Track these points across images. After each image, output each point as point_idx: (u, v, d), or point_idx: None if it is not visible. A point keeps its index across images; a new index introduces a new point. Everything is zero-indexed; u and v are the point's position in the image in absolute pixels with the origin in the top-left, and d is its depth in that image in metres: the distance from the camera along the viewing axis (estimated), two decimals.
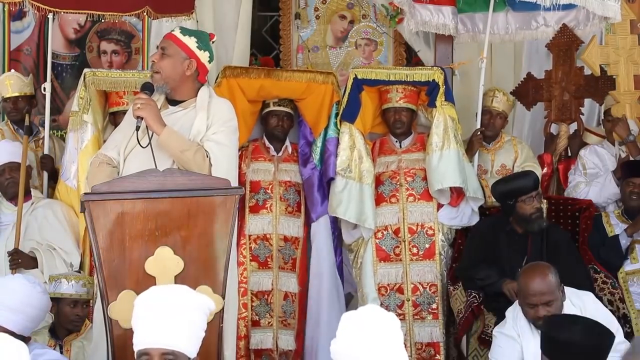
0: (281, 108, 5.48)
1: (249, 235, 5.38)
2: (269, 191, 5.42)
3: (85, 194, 3.36)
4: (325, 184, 5.38)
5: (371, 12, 6.91)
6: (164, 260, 3.31)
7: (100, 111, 5.44)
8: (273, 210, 5.40)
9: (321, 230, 5.42)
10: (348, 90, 5.37)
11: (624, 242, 5.07)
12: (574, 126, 5.78)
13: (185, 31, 4.01)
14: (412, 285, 5.27)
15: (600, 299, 4.61)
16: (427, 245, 5.28)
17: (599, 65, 5.63)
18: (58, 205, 5.31)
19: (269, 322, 5.34)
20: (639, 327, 4.94)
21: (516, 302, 4.08)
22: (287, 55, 6.96)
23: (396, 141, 5.45)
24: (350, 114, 5.35)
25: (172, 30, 4.04)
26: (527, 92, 5.85)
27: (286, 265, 5.41)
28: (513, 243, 4.95)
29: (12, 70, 6.02)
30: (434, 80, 5.32)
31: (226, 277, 3.41)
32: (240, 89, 5.37)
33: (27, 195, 5.24)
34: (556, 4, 5.09)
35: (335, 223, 5.42)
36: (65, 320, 4.48)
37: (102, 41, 6.87)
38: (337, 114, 5.41)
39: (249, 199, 5.39)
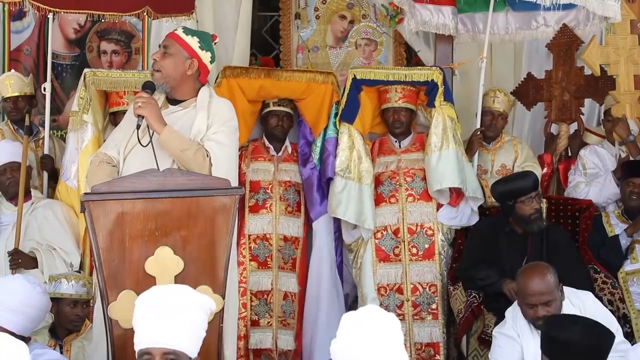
0: (281, 108, 5.49)
1: (249, 235, 5.38)
2: (269, 191, 5.42)
3: (85, 194, 3.36)
4: (324, 183, 5.38)
5: (371, 12, 6.90)
6: (164, 260, 3.31)
7: (101, 111, 5.44)
8: (273, 210, 5.41)
9: (322, 229, 5.42)
10: (347, 91, 5.37)
11: (624, 242, 5.07)
12: (574, 126, 5.78)
13: (188, 31, 4.02)
14: (412, 286, 5.27)
15: (600, 299, 4.62)
16: (426, 246, 5.28)
17: (599, 65, 5.63)
18: (58, 205, 5.31)
19: (268, 322, 5.34)
20: (639, 327, 4.94)
21: (515, 302, 4.09)
22: (287, 55, 6.95)
23: (395, 141, 5.45)
24: (349, 114, 5.35)
25: (175, 30, 4.04)
26: (527, 92, 5.85)
27: (286, 265, 5.41)
28: (513, 243, 4.95)
29: (12, 70, 6.02)
30: (432, 80, 5.32)
31: (226, 277, 3.41)
32: (240, 89, 5.37)
33: (27, 195, 5.24)
34: (556, 4, 5.08)
35: (337, 223, 5.42)
36: (65, 320, 4.48)
37: (102, 41, 6.87)
38: (336, 114, 5.41)
39: (248, 198, 5.39)
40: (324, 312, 5.34)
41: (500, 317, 4.36)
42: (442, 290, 5.26)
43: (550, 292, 3.86)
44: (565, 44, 5.65)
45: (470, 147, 5.47)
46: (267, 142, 5.52)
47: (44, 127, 5.60)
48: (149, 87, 3.86)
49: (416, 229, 5.30)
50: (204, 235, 3.35)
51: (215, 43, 4.05)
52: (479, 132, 5.49)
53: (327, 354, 5.11)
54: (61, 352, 4.36)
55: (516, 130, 6.56)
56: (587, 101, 5.92)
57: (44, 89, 5.53)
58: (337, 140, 5.36)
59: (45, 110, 5.56)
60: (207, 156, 3.78)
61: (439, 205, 5.31)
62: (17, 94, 5.70)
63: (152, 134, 3.73)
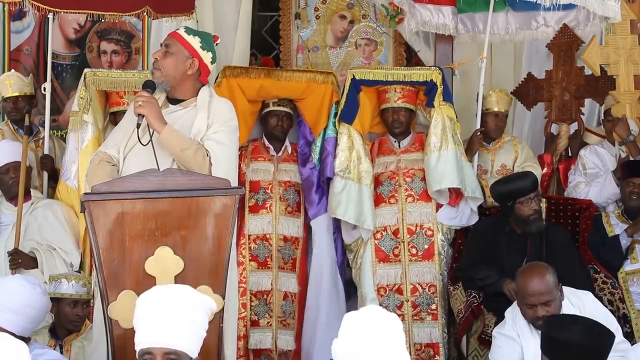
0: (281, 108, 5.49)
1: (249, 235, 5.38)
2: (269, 191, 5.42)
3: (85, 194, 3.36)
4: (323, 183, 5.38)
5: (371, 12, 6.90)
6: (164, 260, 3.31)
7: (101, 111, 5.44)
8: (273, 210, 5.41)
9: (321, 229, 5.42)
10: (346, 91, 5.37)
11: (624, 242, 5.07)
12: (574, 126, 5.78)
13: (189, 31, 4.02)
14: (411, 286, 5.27)
15: (600, 299, 4.62)
16: (426, 246, 5.28)
17: (599, 65, 5.63)
18: (58, 205, 5.31)
19: (268, 322, 5.34)
20: (639, 327, 4.94)
21: (515, 302, 4.09)
22: (287, 55, 6.95)
23: (395, 141, 5.45)
24: (348, 114, 5.35)
25: (177, 29, 4.05)
26: (528, 92, 5.85)
27: (286, 265, 5.41)
28: (512, 243, 4.95)
29: (12, 70, 6.02)
30: (431, 80, 5.32)
31: (226, 277, 3.41)
32: (240, 89, 5.37)
33: (27, 195, 5.24)
34: (556, 4, 5.09)
35: (336, 222, 5.41)
36: (65, 320, 4.48)
37: (102, 41, 6.87)
38: (336, 114, 5.41)
39: (248, 198, 5.39)
40: (324, 313, 5.33)
41: (500, 317, 4.36)
42: (442, 291, 5.26)
43: (550, 292, 3.87)
44: (566, 44, 5.65)
45: (470, 147, 5.47)
46: (267, 142, 5.52)
47: (44, 127, 5.60)
48: (149, 86, 3.86)
49: (416, 230, 5.30)
50: (204, 235, 3.35)
51: (216, 44, 4.06)
52: (479, 133, 5.49)
53: (326, 354, 5.13)
54: (61, 352, 4.36)
55: (516, 130, 6.55)
56: (587, 101, 5.91)
57: (44, 89, 5.53)
58: (337, 140, 5.36)
59: (45, 110, 5.56)
60: (207, 156, 3.78)
61: (439, 206, 5.31)
62: (17, 94, 5.70)
63: (152, 133, 3.73)
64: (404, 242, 5.29)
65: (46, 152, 5.55)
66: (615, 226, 5.19)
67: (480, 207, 5.33)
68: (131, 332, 2.93)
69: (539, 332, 3.64)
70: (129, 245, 3.30)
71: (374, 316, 2.89)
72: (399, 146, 5.43)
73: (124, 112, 4.70)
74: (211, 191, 3.37)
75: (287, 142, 5.53)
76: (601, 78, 5.64)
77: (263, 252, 5.38)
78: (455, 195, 5.27)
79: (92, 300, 4.50)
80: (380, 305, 5.14)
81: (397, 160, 5.39)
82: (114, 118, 5.35)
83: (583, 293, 4.12)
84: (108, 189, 3.33)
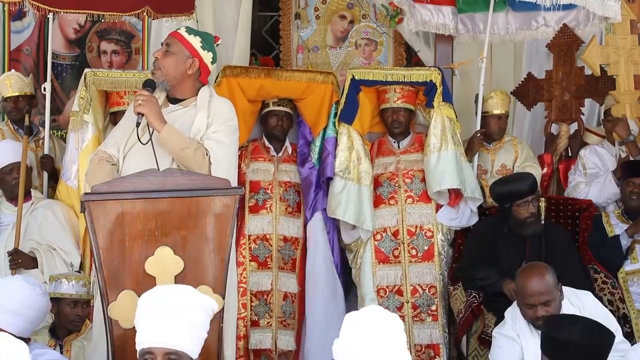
0: (281, 108, 5.49)
1: (249, 235, 5.38)
2: (269, 191, 5.42)
3: (85, 194, 3.36)
4: (323, 183, 5.38)
5: (371, 12, 6.90)
6: (164, 260, 3.31)
7: (101, 111, 5.44)
8: (273, 210, 5.40)
9: (316, 228, 5.40)
10: (345, 91, 5.37)
11: (625, 242, 5.07)
12: (574, 126, 5.78)
13: (190, 30, 4.03)
14: (412, 287, 5.27)
15: (600, 299, 4.62)
16: (425, 247, 5.28)
17: (599, 65, 5.63)
18: (58, 205, 5.31)
19: (268, 323, 5.34)
20: (639, 327, 4.94)
21: (515, 302, 4.09)
22: (287, 55, 6.95)
23: (394, 142, 5.44)
24: (347, 115, 5.35)
25: (178, 29, 4.05)
26: (528, 92, 5.85)
27: (286, 265, 5.41)
28: (511, 244, 4.95)
29: (12, 70, 6.03)
30: (431, 80, 5.32)
31: (226, 277, 3.41)
32: (240, 89, 5.37)
33: (27, 195, 5.24)
34: (556, 4, 5.09)
35: (332, 221, 5.39)
36: (65, 320, 4.48)
37: (102, 41, 6.87)
38: (336, 114, 5.41)
39: (248, 199, 5.39)
40: (321, 312, 5.32)
41: (500, 317, 4.36)
42: (442, 291, 5.26)
43: (549, 292, 3.87)
44: (566, 44, 5.65)
45: (470, 148, 5.47)
46: (267, 142, 5.52)
47: (44, 127, 5.60)
48: (149, 85, 3.86)
49: (415, 231, 5.30)
50: (204, 235, 3.35)
51: (217, 45, 4.06)
52: (479, 134, 5.49)
53: (323, 354, 5.16)
54: (61, 352, 4.36)
55: (516, 130, 6.55)
56: (587, 101, 5.92)
57: (44, 89, 5.53)
58: (337, 140, 5.36)
59: (45, 110, 5.56)
60: (207, 155, 3.78)
61: (439, 206, 5.30)
62: (17, 93, 5.70)
63: (152, 132, 3.73)
64: (403, 243, 5.29)
65: (46, 152, 5.55)
66: (615, 226, 5.19)
67: (480, 207, 5.33)
68: (131, 332, 2.93)
69: (539, 332, 3.64)
70: (129, 245, 3.30)
71: (375, 316, 2.89)
72: (399, 147, 5.43)
73: (124, 112, 4.69)
74: (211, 191, 3.37)
75: (287, 143, 5.53)
76: (601, 78, 5.64)
77: (263, 253, 5.38)
78: (455, 195, 5.27)
79: (92, 300, 4.50)
80: (380, 306, 5.13)
81: (397, 161, 5.39)
82: (114, 118, 5.34)
83: (583, 293, 4.12)
84: (108, 189, 3.33)
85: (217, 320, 3.35)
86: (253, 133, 5.56)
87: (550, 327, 3.41)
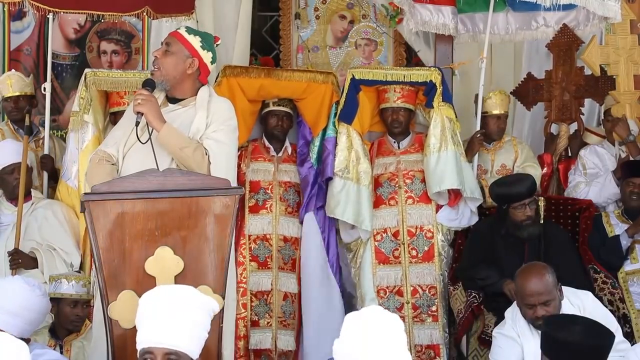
0: (281, 108, 5.48)
1: (249, 236, 5.38)
2: (269, 191, 5.42)
3: (85, 194, 3.36)
4: (322, 182, 5.37)
5: (371, 12, 6.90)
6: (164, 260, 3.31)
7: (101, 111, 5.44)
8: (273, 210, 5.40)
9: (309, 228, 5.39)
10: (345, 91, 5.36)
11: (625, 242, 5.07)
12: (574, 126, 5.78)
13: (190, 30, 4.03)
14: (412, 288, 5.27)
15: (600, 299, 4.62)
16: (426, 248, 5.28)
17: (599, 65, 5.63)
18: (58, 205, 5.31)
19: (268, 323, 5.34)
20: (639, 327, 4.94)
21: (515, 302, 4.09)
22: (287, 55, 6.95)
23: (394, 142, 5.44)
24: (347, 114, 5.35)
25: (178, 28, 4.05)
26: (527, 92, 5.85)
27: (286, 265, 5.40)
28: (509, 245, 4.94)
29: (13, 70, 6.03)
30: (431, 81, 5.32)
31: (226, 277, 3.41)
32: (240, 89, 5.37)
33: (27, 195, 5.24)
34: (556, 4, 5.09)
35: (329, 220, 5.38)
36: (65, 320, 4.48)
37: (102, 41, 6.87)
38: (336, 114, 5.41)
39: (248, 199, 5.39)
40: (316, 311, 5.31)
41: (500, 317, 4.36)
42: (442, 292, 5.26)
43: (549, 292, 3.87)
44: (565, 44, 5.66)
45: (470, 148, 5.46)
46: (267, 142, 5.52)
47: (44, 127, 5.60)
48: (149, 84, 3.87)
49: (416, 232, 5.30)
50: (204, 235, 3.35)
51: (217, 45, 4.06)
52: (479, 134, 5.49)
53: (320, 352, 5.16)
54: (61, 352, 4.36)
55: (516, 130, 6.56)
56: (587, 101, 5.92)
57: (44, 89, 5.53)
58: (337, 140, 5.36)
59: (45, 110, 5.56)
60: (206, 154, 3.78)
61: (439, 207, 5.30)
62: (18, 93, 5.71)
63: (152, 131, 3.74)
64: (404, 244, 5.28)
65: (46, 152, 5.55)
66: (615, 226, 5.19)
67: (480, 207, 5.33)
68: (131, 332, 2.93)
69: (539, 332, 3.64)
70: (129, 245, 3.30)
71: (376, 317, 2.89)
72: (399, 147, 5.43)
73: (124, 112, 4.69)
74: (211, 191, 3.37)
75: (287, 143, 5.53)
76: (601, 78, 5.64)
77: (263, 253, 5.38)
78: (454, 195, 5.27)
79: (92, 300, 4.50)
80: (381, 306, 5.13)
81: (397, 161, 5.39)
82: (114, 118, 5.34)
83: (583, 293, 4.12)
84: (108, 189, 3.33)
85: (217, 320, 3.35)
86: (253, 133, 5.56)
87: (550, 327, 3.41)
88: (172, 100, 3.98)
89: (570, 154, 5.77)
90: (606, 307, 4.41)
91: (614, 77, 5.61)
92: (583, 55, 5.63)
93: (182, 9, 5.40)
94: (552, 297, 3.87)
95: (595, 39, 5.70)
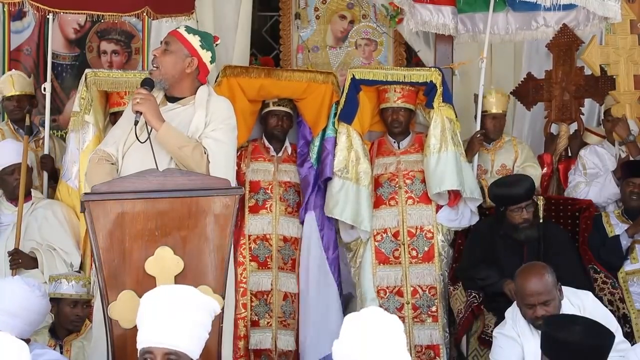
0: (281, 108, 5.48)
1: (249, 236, 5.38)
2: (269, 191, 5.42)
3: (85, 194, 3.36)
4: (322, 183, 5.37)
5: (371, 12, 6.91)
6: (164, 260, 3.31)
7: (102, 111, 5.43)
8: (273, 210, 5.40)
9: (308, 228, 5.39)
10: (345, 91, 5.36)
11: (625, 242, 5.08)
12: (574, 126, 5.79)
13: (190, 29, 4.03)
14: (412, 288, 5.27)
15: (600, 299, 4.62)
16: (426, 248, 5.28)
17: (599, 65, 5.63)
18: (58, 205, 5.31)
19: (267, 323, 5.34)
20: (639, 327, 4.94)
21: (515, 302, 4.09)
22: (287, 55, 6.96)
23: (394, 142, 5.44)
24: (347, 114, 5.34)
25: (178, 27, 4.05)
26: (527, 92, 5.86)
27: (286, 265, 5.40)
28: (509, 246, 4.94)
29: (14, 70, 6.03)
30: (431, 81, 5.32)
31: (226, 277, 3.41)
32: (240, 88, 5.37)
33: (27, 195, 5.24)
34: (556, 4, 5.08)
35: (328, 220, 5.38)
36: (65, 320, 4.47)
37: (102, 41, 6.87)
38: (336, 114, 5.41)
39: (248, 199, 5.39)
40: (314, 311, 5.30)
41: (500, 317, 4.36)
42: (442, 292, 5.26)
43: (549, 292, 3.87)
44: (565, 44, 5.66)
45: (470, 148, 5.46)
46: (266, 143, 5.52)
47: (44, 127, 5.60)
48: (147, 83, 3.87)
49: (416, 232, 5.30)
50: (204, 235, 3.35)
51: (216, 44, 4.06)
52: (479, 134, 5.49)
53: (318, 351, 5.15)
54: (61, 352, 4.36)
55: (516, 130, 6.56)
56: (587, 101, 5.92)
57: (44, 89, 5.53)
58: (336, 140, 5.36)
59: (45, 110, 5.56)
60: (205, 153, 3.78)
61: (439, 207, 5.30)
62: (19, 92, 5.71)
63: (150, 131, 3.74)
64: (404, 244, 5.28)
65: (46, 152, 5.55)
66: (615, 226, 5.19)
67: (480, 207, 5.33)
68: (131, 332, 2.93)
69: (539, 332, 3.64)
70: (129, 245, 3.30)
71: (375, 318, 2.89)
72: (399, 147, 5.43)
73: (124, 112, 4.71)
74: (211, 191, 3.37)
75: (287, 143, 5.53)
76: (601, 78, 5.64)
77: (263, 253, 5.38)
78: (454, 196, 5.27)
79: (92, 300, 4.50)
80: (380, 307, 5.13)
81: (397, 161, 5.39)
82: (114, 118, 5.33)
83: (583, 293, 4.12)
84: (108, 189, 3.33)
85: (218, 320, 3.35)
86: (253, 133, 5.56)
87: (550, 327, 3.41)
88: (171, 99, 3.98)
89: (570, 154, 5.77)
90: (606, 307, 4.41)
91: (614, 77, 5.61)
92: (583, 55, 5.63)
93: (182, 9, 5.40)
94: (551, 297, 3.87)
95: (595, 39, 5.70)
